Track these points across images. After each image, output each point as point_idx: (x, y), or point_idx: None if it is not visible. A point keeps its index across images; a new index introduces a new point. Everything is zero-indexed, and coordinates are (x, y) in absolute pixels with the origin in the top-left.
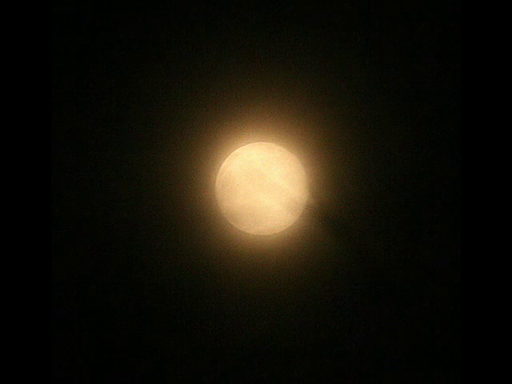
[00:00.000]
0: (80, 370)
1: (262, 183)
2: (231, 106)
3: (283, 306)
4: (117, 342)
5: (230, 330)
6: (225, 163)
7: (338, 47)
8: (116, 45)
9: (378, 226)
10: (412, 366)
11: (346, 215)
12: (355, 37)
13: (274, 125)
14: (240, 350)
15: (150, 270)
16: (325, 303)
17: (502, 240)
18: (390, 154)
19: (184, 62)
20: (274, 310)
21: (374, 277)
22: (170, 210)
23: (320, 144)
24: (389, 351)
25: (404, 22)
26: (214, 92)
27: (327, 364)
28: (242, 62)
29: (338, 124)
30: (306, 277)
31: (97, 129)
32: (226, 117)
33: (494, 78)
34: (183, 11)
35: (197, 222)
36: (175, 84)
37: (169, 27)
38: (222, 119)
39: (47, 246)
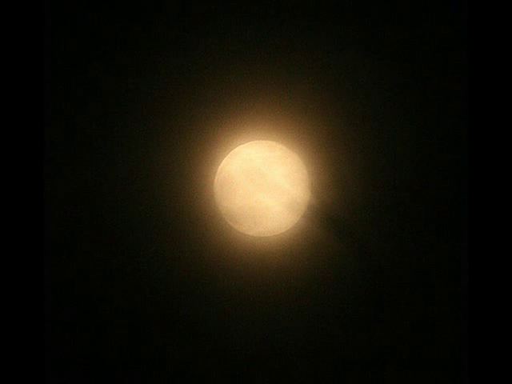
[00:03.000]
0: (77, 372)
1: (263, 183)
2: (230, 103)
3: (284, 310)
4: (114, 345)
5: (230, 333)
6: (224, 162)
7: (341, 43)
8: (112, 41)
9: (381, 226)
10: (415, 369)
11: (348, 216)
12: (359, 33)
13: (275, 122)
14: (240, 353)
15: (148, 272)
16: (327, 306)
17: (509, 241)
18: (394, 152)
19: (181, 58)
20: (274, 313)
21: (378, 278)
22: (168, 210)
23: (322, 142)
24: (392, 354)
25: (410, 18)
26: (212, 88)
27: (329, 367)
28: (242, 58)
29: (340, 122)
30: (308, 279)
31: (92, 127)
32: (225, 114)
33: (502, 75)
34: (181, 6)
35: (195, 223)
36: (172, 80)
37: (166, 22)
38: (221, 116)
39: (41, 249)
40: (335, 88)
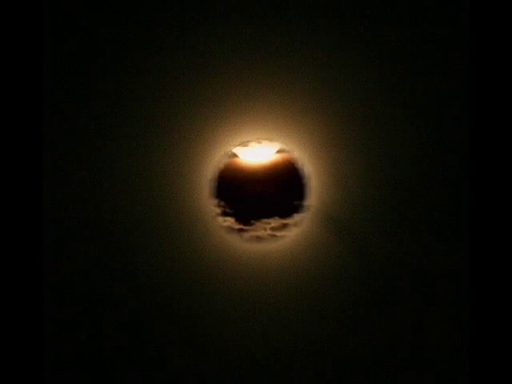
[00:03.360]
0: (77, 372)
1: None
2: (230, 103)
3: (284, 310)
4: (114, 345)
5: (230, 333)
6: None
7: (342, 42)
8: (112, 41)
9: (381, 226)
10: (415, 369)
11: (349, 216)
12: (360, 32)
13: (275, 122)
14: (240, 353)
15: (145, 274)
16: (327, 306)
17: (510, 241)
18: (395, 153)
19: (181, 58)
20: (274, 314)
21: (378, 278)
22: (165, 211)
23: (322, 142)
24: (392, 354)
25: (410, 18)
26: (211, 88)
27: (329, 367)
28: (242, 57)
29: (341, 122)
30: (308, 279)
31: (90, 128)
32: (225, 114)
33: (503, 76)
34: (181, 6)
35: (193, 224)
36: (172, 80)
37: (164, 20)
38: (220, 116)
39: (41, 249)
40: (335, 87)
